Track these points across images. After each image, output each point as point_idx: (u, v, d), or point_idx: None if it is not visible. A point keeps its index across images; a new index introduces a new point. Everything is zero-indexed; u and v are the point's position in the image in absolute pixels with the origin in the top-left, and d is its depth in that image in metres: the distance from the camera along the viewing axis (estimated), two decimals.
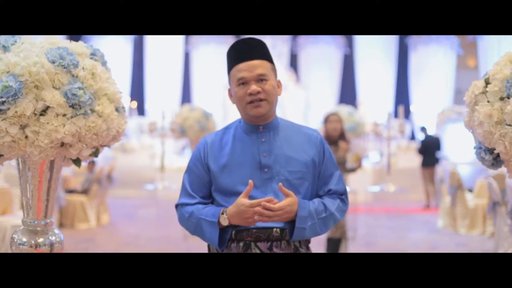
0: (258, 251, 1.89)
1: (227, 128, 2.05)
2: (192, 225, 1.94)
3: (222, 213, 1.86)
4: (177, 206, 2.01)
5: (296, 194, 1.91)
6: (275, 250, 1.89)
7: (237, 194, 1.89)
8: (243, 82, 1.91)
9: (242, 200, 1.82)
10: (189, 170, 2.01)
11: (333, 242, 5.06)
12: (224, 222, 1.86)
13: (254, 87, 1.89)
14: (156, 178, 11.49)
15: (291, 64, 16.89)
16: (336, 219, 2.00)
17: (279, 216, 1.84)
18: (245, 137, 1.98)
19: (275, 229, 1.89)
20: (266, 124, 1.97)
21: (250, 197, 1.87)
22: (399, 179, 11.05)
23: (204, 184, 1.98)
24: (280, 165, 1.94)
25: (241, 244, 1.90)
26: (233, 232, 1.90)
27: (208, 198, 2.00)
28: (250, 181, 1.83)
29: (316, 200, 1.97)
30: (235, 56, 1.94)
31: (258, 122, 1.96)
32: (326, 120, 5.05)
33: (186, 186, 2.00)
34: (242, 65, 1.91)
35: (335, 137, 4.98)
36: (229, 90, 2.01)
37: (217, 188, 1.96)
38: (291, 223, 1.90)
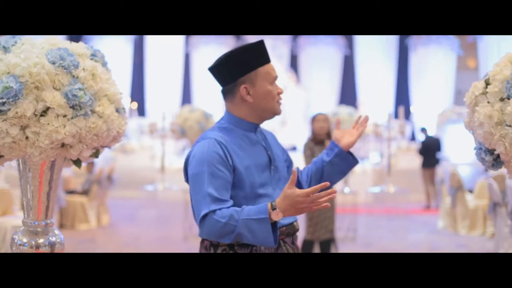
0: (288, 247, 1.97)
1: (223, 129, 1.99)
2: (232, 229, 1.78)
3: (274, 208, 1.74)
4: (205, 216, 1.82)
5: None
6: (295, 243, 2.02)
7: (257, 195, 1.90)
8: (274, 81, 1.99)
9: (294, 191, 1.72)
10: (209, 177, 1.84)
11: (323, 244, 5.06)
12: (277, 216, 1.74)
13: (281, 88, 2.01)
14: (157, 179, 11.47)
15: (291, 65, 16.89)
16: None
17: None
18: (249, 136, 1.99)
19: (295, 223, 2.01)
20: (260, 124, 2.07)
21: (265, 195, 1.91)
22: (400, 180, 11.04)
23: (230, 185, 1.87)
24: (277, 162, 2.05)
25: None
26: None
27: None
28: (294, 170, 1.79)
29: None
30: (265, 55, 1.99)
31: (263, 121, 2.03)
32: (314, 119, 5.12)
33: (212, 193, 1.82)
34: (272, 65, 2.00)
35: (322, 136, 5.03)
36: (245, 88, 1.95)
37: (240, 189, 1.89)
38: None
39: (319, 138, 5.04)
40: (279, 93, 1.98)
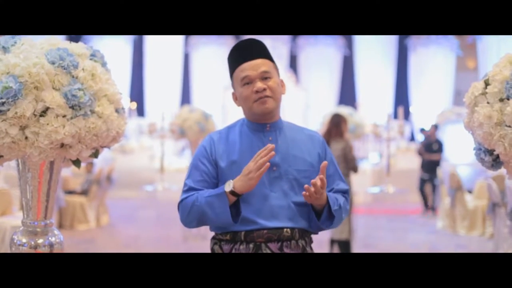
0: (269, 252, 1.89)
1: (231, 127, 2.05)
2: (197, 210, 1.88)
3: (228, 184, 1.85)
4: (179, 203, 1.95)
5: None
6: (285, 250, 1.90)
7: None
8: (248, 82, 1.92)
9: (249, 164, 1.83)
10: (192, 169, 1.98)
11: (343, 244, 5.10)
12: (228, 187, 1.84)
13: (259, 84, 1.90)
14: (156, 179, 11.46)
15: (290, 66, 16.89)
16: (342, 216, 2.01)
17: (320, 194, 1.85)
18: (251, 135, 1.98)
19: (285, 229, 1.91)
20: (273, 123, 1.99)
21: (260, 194, 1.90)
22: (399, 180, 11.03)
23: (211, 178, 1.96)
24: (288, 164, 1.95)
25: (251, 245, 1.89)
26: (243, 233, 1.89)
27: None
28: (270, 145, 1.82)
29: (331, 194, 1.99)
30: (237, 57, 1.95)
31: (265, 120, 1.97)
32: (344, 120, 5.19)
33: (189, 183, 1.95)
34: (245, 65, 1.92)
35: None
36: (233, 94, 2.01)
37: (223, 183, 1.92)
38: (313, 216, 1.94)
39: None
40: (256, 91, 1.90)
